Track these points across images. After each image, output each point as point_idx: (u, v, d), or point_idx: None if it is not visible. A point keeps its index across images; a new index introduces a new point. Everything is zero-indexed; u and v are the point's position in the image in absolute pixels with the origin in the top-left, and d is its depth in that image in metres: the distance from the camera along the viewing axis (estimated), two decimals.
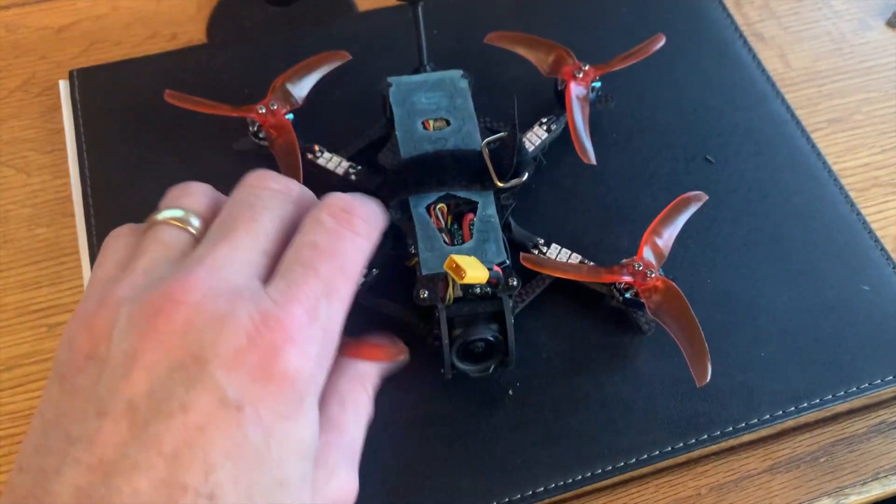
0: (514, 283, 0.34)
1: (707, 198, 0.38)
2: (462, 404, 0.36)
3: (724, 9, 0.50)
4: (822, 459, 0.37)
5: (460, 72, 0.40)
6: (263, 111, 0.40)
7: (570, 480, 0.35)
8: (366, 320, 0.33)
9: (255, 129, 0.41)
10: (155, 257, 0.28)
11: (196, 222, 0.29)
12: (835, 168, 0.44)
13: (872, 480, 0.36)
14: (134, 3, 0.51)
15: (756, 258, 0.40)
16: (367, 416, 0.31)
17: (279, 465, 0.25)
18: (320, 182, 0.37)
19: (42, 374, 0.38)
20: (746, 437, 0.37)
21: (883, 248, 0.41)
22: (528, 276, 0.37)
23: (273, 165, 0.37)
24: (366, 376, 0.32)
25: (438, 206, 0.36)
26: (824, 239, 0.41)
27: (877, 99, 0.48)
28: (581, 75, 0.41)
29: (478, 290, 0.33)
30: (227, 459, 0.24)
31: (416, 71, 0.41)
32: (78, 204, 0.42)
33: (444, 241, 0.35)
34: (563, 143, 0.42)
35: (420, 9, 0.41)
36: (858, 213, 0.42)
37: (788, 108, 0.45)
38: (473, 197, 0.36)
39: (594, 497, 0.36)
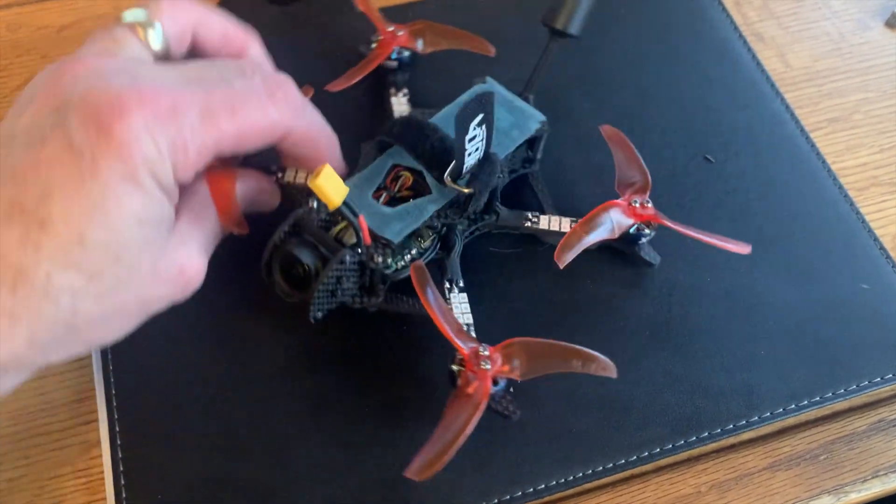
0: (376, 259, 0.34)
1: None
2: None
3: (724, 9, 0.50)
4: (822, 457, 0.37)
5: (541, 117, 0.39)
6: None
7: (571, 478, 0.35)
8: None
9: None
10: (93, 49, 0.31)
11: (157, 42, 0.32)
12: (834, 167, 0.44)
13: (872, 478, 0.36)
14: (135, 2, 0.51)
15: (756, 257, 0.40)
16: (211, 228, 0.33)
17: (115, 227, 0.27)
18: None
19: None
20: (747, 435, 0.37)
21: (882, 247, 0.41)
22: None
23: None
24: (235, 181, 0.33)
25: (403, 172, 0.37)
26: (824, 238, 0.41)
27: (876, 99, 0.48)
28: (637, 205, 0.38)
29: (351, 241, 0.34)
30: (61, 194, 0.26)
31: (519, 94, 0.40)
32: None
33: (374, 191, 0.36)
34: (561, 143, 0.42)
35: (556, 44, 0.40)
36: (858, 212, 0.42)
37: (788, 107, 0.46)
38: (430, 184, 0.36)
39: (595, 494, 0.36)
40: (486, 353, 0.33)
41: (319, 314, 0.34)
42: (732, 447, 0.37)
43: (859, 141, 0.46)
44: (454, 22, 0.43)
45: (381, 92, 0.44)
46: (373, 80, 0.43)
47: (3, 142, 0.28)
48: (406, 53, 0.43)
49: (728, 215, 0.41)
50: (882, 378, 0.37)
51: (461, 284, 0.37)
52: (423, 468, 0.31)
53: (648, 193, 0.38)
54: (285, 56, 0.44)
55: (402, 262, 0.36)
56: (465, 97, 0.39)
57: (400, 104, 0.43)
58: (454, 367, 0.34)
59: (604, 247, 0.38)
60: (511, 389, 0.34)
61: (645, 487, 0.36)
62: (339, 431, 0.35)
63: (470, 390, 0.33)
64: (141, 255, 0.29)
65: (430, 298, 0.34)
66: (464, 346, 0.33)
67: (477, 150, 0.35)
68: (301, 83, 0.44)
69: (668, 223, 0.37)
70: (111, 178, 0.27)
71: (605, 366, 0.32)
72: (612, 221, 0.37)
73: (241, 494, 0.34)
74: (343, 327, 0.37)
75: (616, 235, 0.37)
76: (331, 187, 0.31)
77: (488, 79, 0.40)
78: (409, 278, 0.34)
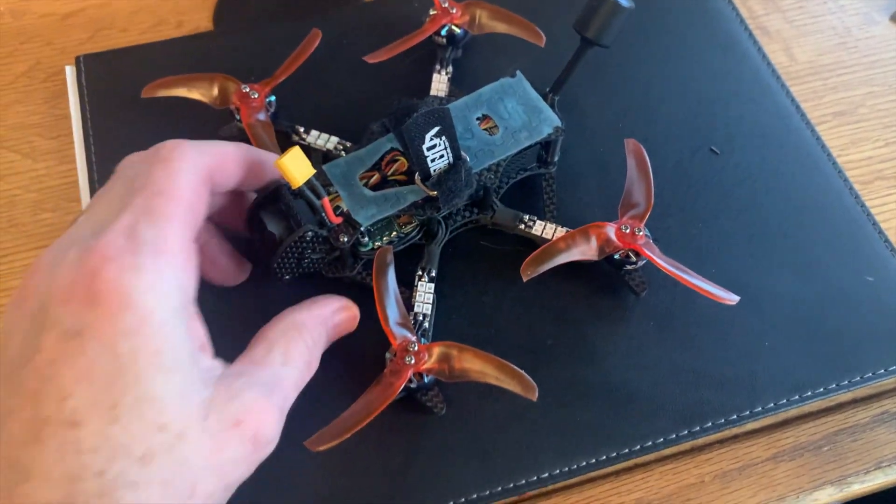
0: (342, 238, 0.35)
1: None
2: (468, 391, 0.36)
3: (730, 2, 0.50)
4: (825, 448, 0.37)
5: (556, 122, 0.39)
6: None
7: (576, 466, 0.35)
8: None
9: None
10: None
11: None
12: (839, 161, 0.44)
13: (875, 469, 0.36)
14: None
15: (761, 248, 0.40)
16: (301, 362, 0.31)
17: (138, 380, 0.25)
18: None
19: None
20: (750, 426, 0.37)
21: (887, 240, 0.41)
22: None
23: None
24: (303, 327, 0.32)
25: (399, 157, 0.37)
26: (829, 230, 0.41)
27: (881, 93, 0.48)
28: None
29: (319, 216, 0.34)
30: (78, 385, 0.25)
31: (544, 95, 0.40)
32: (84, 189, 0.42)
33: (364, 172, 0.37)
34: (567, 134, 0.42)
35: (587, 51, 0.40)
36: (863, 205, 0.42)
37: (793, 100, 0.46)
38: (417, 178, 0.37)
39: (599, 483, 0.36)
40: (415, 348, 0.34)
41: (287, 277, 0.36)
42: (736, 438, 0.37)
43: (864, 135, 0.46)
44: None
45: (429, 67, 0.45)
46: (425, 53, 0.44)
47: (5, 376, 0.26)
48: (458, 31, 0.44)
49: (733, 206, 0.41)
50: (886, 370, 0.37)
51: (433, 275, 0.38)
52: (323, 440, 0.32)
53: (645, 221, 0.37)
54: (290, 44, 0.44)
55: (380, 243, 0.37)
56: (486, 89, 0.39)
57: (440, 81, 0.44)
58: (387, 355, 0.34)
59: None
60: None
61: (649, 476, 0.36)
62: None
63: (391, 379, 0.34)
64: (186, 414, 0.26)
65: (383, 284, 0.35)
66: (397, 338, 0.34)
67: (442, 157, 0.36)
68: (311, 70, 0.44)
69: (657, 260, 0.36)
70: (116, 339, 0.25)
71: (527, 386, 0.33)
72: (596, 243, 0.37)
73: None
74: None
75: (597, 258, 0.37)
76: (294, 167, 0.31)
77: (518, 73, 0.40)
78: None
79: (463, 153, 0.37)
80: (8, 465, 0.24)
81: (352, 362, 0.36)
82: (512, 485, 0.34)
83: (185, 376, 0.27)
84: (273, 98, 0.42)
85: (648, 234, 0.37)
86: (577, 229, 0.37)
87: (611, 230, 0.37)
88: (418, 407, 0.35)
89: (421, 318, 0.37)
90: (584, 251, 0.37)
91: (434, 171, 0.36)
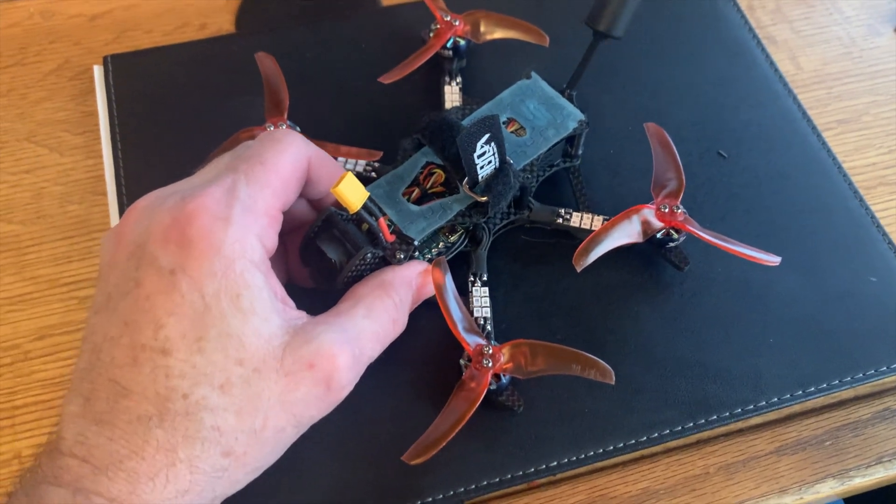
0: (398, 255, 0.35)
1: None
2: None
3: (739, 10, 0.51)
4: (827, 443, 0.38)
5: (579, 115, 0.40)
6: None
7: (584, 456, 0.36)
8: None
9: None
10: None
11: None
12: (844, 166, 0.45)
13: (876, 464, 0.37)
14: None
15: (767, 248, 0.41)
16: (385, 318, 0.33)
17: (221, 318, 0.28)
18: None
19: (72, 344, 0.39)
20: (754, 420, 0.38)
21: (891, 242, 0.42)
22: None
23: None
24: (390, 285, 0.34)
25: (436, 169, 0.38)
26: (834, 232, 0.42)
27: (884, 101, 0.49)
28: (666, 210, 0.38)
29: (377, 236, 0.35)
30: (170, 317, 0.28)
31: (561, 91, 0.42)
32: (110, 182, 0.43)
33: (405, 189, 0.38)
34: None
35: (601, 43, 0.41)
36: (867, 209, 0.43)
37: (800, 106, 0.47)
38: (458, 186, 0.37)
39: (607, 473, 0.37)
40: (490, 351, 0.35)
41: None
42: (740, 431, 0.38)
43: (868, 142, 0.48)
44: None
45: (437, 78, 0.46)
46: (430, 65, 0.45)
47: (104, 305, 0.29)
48: (462, 42, 0.45)
49: (741, 207, 0.43)
50: (888, 367, 0.38)
51: (485, 279, 0.39)
52: (418, 453, 0.33)
53: (680, 198, 0.38)
54: (311, 47, 0.46)
55: (430, 256, 0.38)
56: (506, 94, 0.41)
57: (452, 92, 0.45)
58: (462, 362, 0.36)
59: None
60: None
61: (654, 467, 0.37)
62: (354, 410, 0.36)
63: (472, 384, 0.34)
64: (263, 352, 0.29)
65: (445, 295, 0.35)
66: (470, 344, 0.35)
67: (490, 163, 0.37)
68: (329, 72, 0.46)
69: (698, 232, 0.38)
70: (203, 279, 0.28)
71: (604, 372, 0.34)
72: (639, 226, 0.38)
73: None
74: None
75: (642, 240, 0.38)
76: (350, 193, 0.33)
77: (533, 74, 0.42)
78: None
79: (507, 157, 0.38)
80: (111, 383, 0.28)
81: (417, 371, 0.37)
82: (521, 472, 0.35)
83: (266, 319, 0.29)
84: (291, 124, 0.42)
85: (685, 210, 0.38)
86: (619, 214, 0.38)
87: (650, 211, 0.38)
88: (428, 402, 0.36)
89: (482, 321, 0.38)
90: (630, 234, 0.37)
91: (482, 177, 0.37)
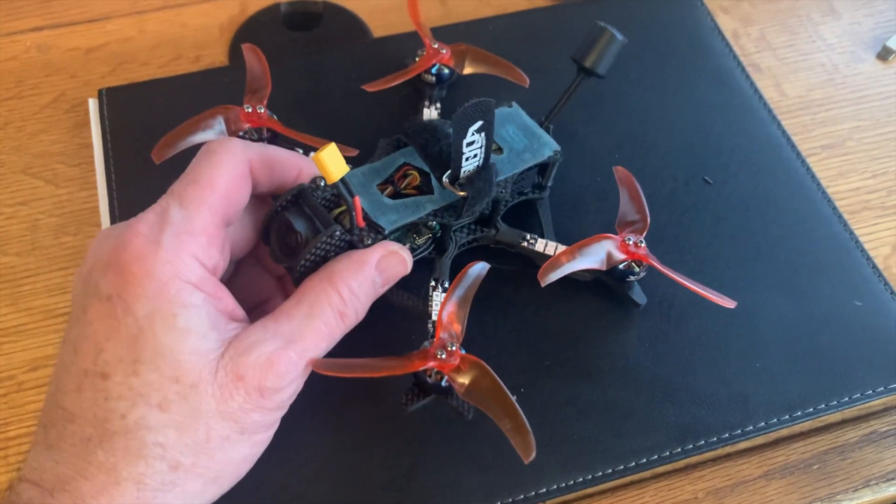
0: (365, 241, 0.35)
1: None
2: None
3: (724, 38, 0.52)
4: (815, 467, 0.38)
5: (555, 146, 0.41)
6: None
7: (573, 482, 0.36)
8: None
9: None
10: None
11: None
12: (828, 191, 0.46)
13: (863, 487, 0.37)
14: (160, 26, 0.54)
15: (753, 273, 0.42)
16: (329, 313, 0.32)
17: (154, 339, 0.29)
18: None
19: None
20: (742, 445, 0.38)
21: (875, 266, 0.42)
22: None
23: None
24: (337, 276, 0.33)
25: (412, 171, 0.39)
26: (819, 257, 0.43)
27: (868, 127, 0.50)
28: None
29: (345, 217, 0.35)
30: (108, 342, 0.29)
31: (540, 123, 0.42)
32: (105, 213, 0.44)
33: (379, 183, 0.38)
34: (566, 163, 0.44)
35: (584, 81, 0.42)
36: (851, 233, 0.44)
37: (784, 132, 0.48)
38: (434, 186, 0.38)
39: (596, 499, 0.37)
40: (454, 348, 0.33)
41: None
42: (728, 456, 0.38)
43: (852, 167, 0.48)
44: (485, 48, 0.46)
45: (417, 103, 0.47)
46: (412, 91, 0.47)
47: (65, 335, 0.31)
48: (446, 71, 0.46)
49: (727, 233, 0.43)
50: (874, 391, 0.39)
51: (446, 285, 0.39)
52: (328, 367, 0.32)
53: (644, 235, 0.39)
54: (304, 78, 0.46)
55: None
56: None
57: (431, 115, 0.46)
58: (425, 343, 0.35)
59: (596, 281, 0.40)
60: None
61: (643, 493, 0.37)
62: (343, 431, 0.37)
63: (414, 359, 0.33)
64: (199, 368, 0.30)
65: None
66: (444, 330, 0.34)
67: (475, 156, 0.37)
68: (320, 101, 0.47)
69: (658, 266, 0.38)
70: (137, 303, 0.29)
71: (527, 447, 0.31)
72: (603, 253, 0.38)
73: (254, 489, 0.35)
74: None
75: (605, 268, 0.38)
76: (331, 162, 0.32)
77: (514, 104, 0.42)
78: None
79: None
80: (61, 409, 0.29)
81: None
82: (511, 499, 0.36)
83: (203, 336, 0.30)
84: (269, 113, 0.43)
85: (646, 246, 0.38)
86: (586, 239, 0.38)
87: (615, 242, 0.38)
88: (420, 418, 0.37)
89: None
90: (595, 260, 0.38)
91: (464, 171, 0.37)
